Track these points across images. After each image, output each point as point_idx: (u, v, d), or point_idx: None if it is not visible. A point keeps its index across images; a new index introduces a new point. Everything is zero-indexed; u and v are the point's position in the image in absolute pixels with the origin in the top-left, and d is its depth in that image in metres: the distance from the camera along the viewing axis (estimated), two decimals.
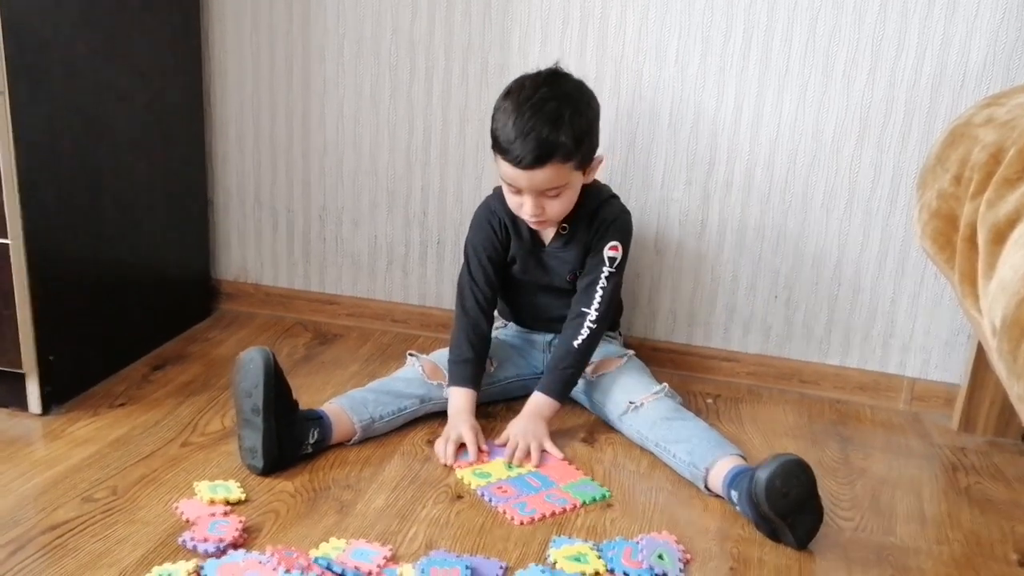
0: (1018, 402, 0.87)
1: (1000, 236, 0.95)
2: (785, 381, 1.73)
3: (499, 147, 1.35)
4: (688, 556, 1.17)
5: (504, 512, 1.24)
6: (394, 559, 1.12)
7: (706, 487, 1.30)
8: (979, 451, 1.54)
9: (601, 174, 1.49)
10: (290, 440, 1.29)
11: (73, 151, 1.44)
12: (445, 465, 1.35)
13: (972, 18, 1.50)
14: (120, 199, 1.57)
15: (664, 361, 1.74)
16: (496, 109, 1.38)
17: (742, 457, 1.30)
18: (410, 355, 1.52)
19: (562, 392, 1.45)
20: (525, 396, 1.57)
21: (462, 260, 1.52)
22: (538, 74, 1.39)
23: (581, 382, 1.50)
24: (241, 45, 1.79)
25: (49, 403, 1.43)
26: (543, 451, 1.39)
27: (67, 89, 1.41)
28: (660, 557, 1.14)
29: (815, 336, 1.71)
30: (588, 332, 1.44)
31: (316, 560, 1.08)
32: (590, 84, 1.64)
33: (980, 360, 1.53)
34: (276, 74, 1.79)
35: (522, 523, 1.22)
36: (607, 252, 1.45)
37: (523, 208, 1.38)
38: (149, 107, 1.62)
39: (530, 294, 1.55)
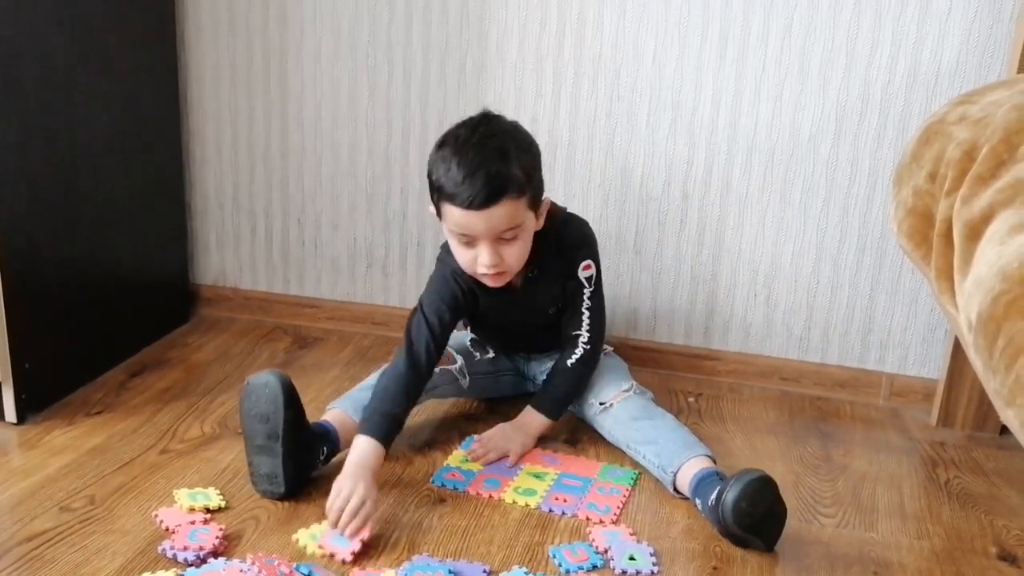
0: (995, 396, 0.88)
1: (975, 232, 0.96)
2: (766, 379, 1.74)
3: (445, 195, 1.24)
4: (652, 548, 1.17)
5: (588, 519, 1.24)
6: (376, 565, 1.12)
7: (675, 490, 1.30)
8: (958, 445, 1.55)
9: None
10: (306, 460, 1.26)
11: (47, 155, 1.42)
12: (340, 530, 1.14)
13: (944, 17, 1.51)
14: (96, 203, 1.55)
15: (645, 360, 1.74)
16: (432, 162, 1.27)
17: (710, 457, 1.29)
18: None
19: (551, 408, 1.42)
20: (508, 398, 1.57)
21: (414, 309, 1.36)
22: (469, 119, 1.29)
23: None
24: (217, 47, 1.78)
25: (25, 412, 1.41)
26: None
27: (41, 92, 1.39)
28: (631, 559, 1.14)
29: (795, 333, 1.72)
30: (582, 351, 1.41)
31: (297, 567, 1.08)
32: (568, 85, 1.66)
33: (958, 355, 1.54)
34: (253, 76, 1.78)
35: (613, 522, 1.23)
36: (582, 274, 1.41)
37: (478, 261, 1.27)
38: (125, 110, 1.61)
39: (511, 332, 1.51)
